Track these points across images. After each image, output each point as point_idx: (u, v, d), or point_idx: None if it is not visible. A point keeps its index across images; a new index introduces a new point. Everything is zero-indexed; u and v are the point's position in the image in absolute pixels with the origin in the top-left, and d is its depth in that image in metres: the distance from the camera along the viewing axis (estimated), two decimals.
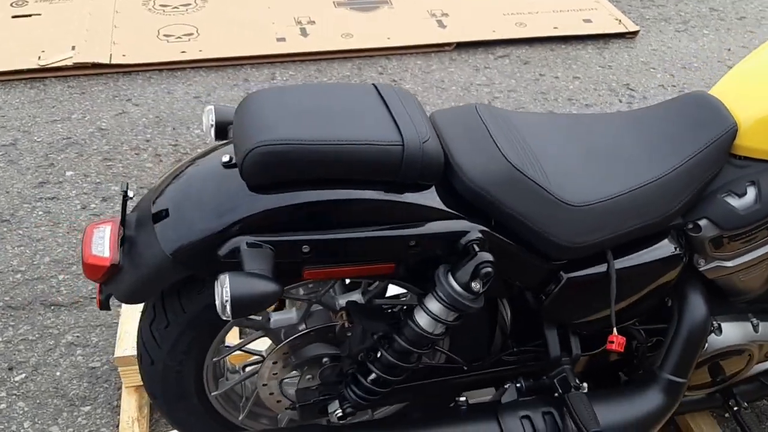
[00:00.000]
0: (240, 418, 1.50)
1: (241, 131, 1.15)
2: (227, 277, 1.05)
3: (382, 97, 1.22)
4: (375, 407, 1.48)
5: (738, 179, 1.33)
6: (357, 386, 1.31)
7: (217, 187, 1.17)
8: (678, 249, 1.33)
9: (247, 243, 1.13)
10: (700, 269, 1.39)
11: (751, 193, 1.32)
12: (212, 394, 1.44)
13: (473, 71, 3.29)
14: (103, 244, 1.22)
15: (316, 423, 1.42)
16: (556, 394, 1.34)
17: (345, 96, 1.21)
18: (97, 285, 1.25)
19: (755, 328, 1.49)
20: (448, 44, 3.42)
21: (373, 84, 1.27)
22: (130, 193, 1.22)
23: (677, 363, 1.38)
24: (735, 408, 1.59)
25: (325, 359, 1.38)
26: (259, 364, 1.42)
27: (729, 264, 1.39)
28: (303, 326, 1.40)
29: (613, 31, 3.61)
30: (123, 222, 1.22)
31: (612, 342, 1.27)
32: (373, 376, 1.29)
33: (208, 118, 1.40)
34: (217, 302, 1.06)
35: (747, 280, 1.43)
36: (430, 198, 1.19)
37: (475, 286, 1.15)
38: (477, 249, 1.16)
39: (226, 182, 1.17)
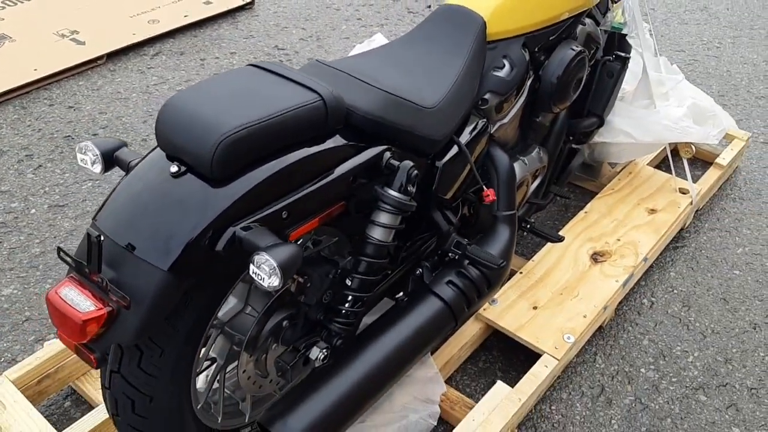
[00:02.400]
0: (219, 420, 1.54)
1: (187, 134, 1.21)
2: (263, 253, 1.15)
3: (271, 71, 1.38)
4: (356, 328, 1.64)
5: (495, 58, 1.82)
6: (339, 319, 1.50)
7: (180, 195, 1.21)
8: (482, 123, 1.78)
9: (241, 228, 1.22)
10: (492, 132, 1.88)
11: (507, 63, 1.83)
12: (198, 407, 1.46)
13: (140, 75, 3.31)
14: (82, 300, 1.18)
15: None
16: (457, 256, 1.71)
17: (245, 80, 1.34)
18: (84, 343, 1.19)
19: (524, 162, 2.05)
20: (99, 58, 3.35)
21: (251, 64, 1.41)
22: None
23: (506, 201, 1.86)
24: (527, 225, 2.16)
25: (284, 323, 1.52)
26: (235, 362, 1.49)
27: (505, 121, 1.90)
28: (249, 308, 1.51)
29: (234, 6, 3.93)
30: (99, 268, 1.18)
31: (488, 195, 1.68)
32: (350, 301, 1.49)
33: (92, 153, 1.37)
34: (263, 278, 1.15)
35: (509, 131, 1.97)
36: (344, 138, 1.42)
37: (411, 188, 1.44)
38: (398, 162, 1.44)
39: (186, 187, 1.22)
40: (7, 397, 1.69)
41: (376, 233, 1.46)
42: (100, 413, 1.71)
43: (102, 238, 1.17)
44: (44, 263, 2.30)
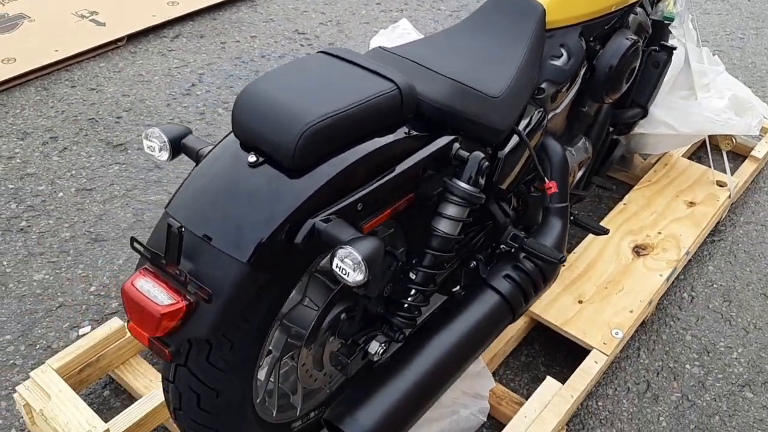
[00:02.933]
0: (274, 413, 1.51)
1: (268, 122, 1.17)
2: (347, 246, 1.11)
3: (343, 59, 1.34)
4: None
5: (553, 46, 1.78)
6: (401, 313, 1.46)
7: (258, 185, 1.17)
8: (540, 112, 1.74)
9: (320, 220, 1.18)
10: (545, 123, 1.84)
11: (565, 51, 1.78)
12: (257, 401, 1.43)
13: (162, 57, 3.24)
14: (159, 293, 1.13)
15: None
16: (513, 249, 1.68)
17: (320, 67, 1.29)
18: (160, 336, 1.15)
19: (572, 153, 2.02)
20: (119, 40, 3.28)
21: (322, 51, 1.36)
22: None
23: (560, 193, 1.82)
24: (571, 217, 2.13)
25: (342, 316, 1.48)
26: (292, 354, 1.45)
27: (558, 111, 1.86)
28: (307, 300, 1.47)
29: None
30: (179, 260, 1.14)
31: (550, 187, 1.65)
32: (413, 294, 1.45)
33: (159, 140, 1.32)
34: (348, 272, 1.11)
35: (559, 121, 1.93)
36: (414, 128, 1.37)
37: (481, 180, 1.40)
38: (467, 152, 1.40)
39: (264, 178, 1.18)
40: (51, 387, 1.65)
41: (443, 226, 1.42)
42: (145, 404, 1.67)
43: (183, 229, 1.12)
44: (75, 248, 2.25)
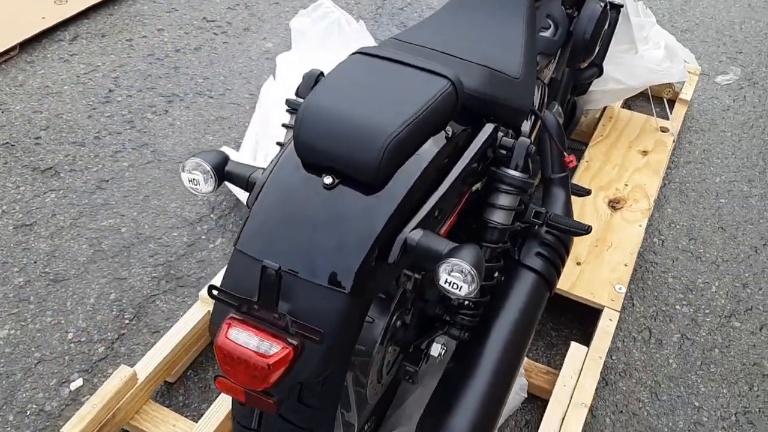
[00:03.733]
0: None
1: (345, 140, 1.08)
2: (453, 258, 1.06)
3: (384, 58, 1.25)
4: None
5: (540, 18, 1.77)
6: (465, 311, 1.43)
7: (340, 208, 1.09)
8: (541, 88, 1.74)
9: (411, 232, 1.12)
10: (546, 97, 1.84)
11: (552, 22, 1.78)
12: None
13: (65, 64, 2.93)
14: (259, 342, 1.03)
15: None
16: (537, 227, 1.68)
17: (366, 72, 1.21)
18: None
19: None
20: (11, 49, 2.93)
21: (357, 52, 1.27)
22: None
23: (559, 162, 1.84)
24: None
25: (398, 324, 1.43)
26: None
27: (545, 82, 1.87)
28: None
29: None
30: (277, 303, 1.04)
31: (571, 161, 1.65)
32: None
33: (202, 171, 1.19)
34: (460, 286, 1.06)
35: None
36: (458, 121, 1.32)
37: (529, 165, 1.38)
38: (512, 139, 1.37)
39: (344, 198, 1.09)
40: None
41: (497, 217, 1.40)
42: None
43: (281, 269, 1.02)
44: (34, 294, 2.02)
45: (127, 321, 1.98)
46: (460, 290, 1.07)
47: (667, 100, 2.81)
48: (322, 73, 1.44)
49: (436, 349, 1.45)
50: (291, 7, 3.48)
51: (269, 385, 1.04)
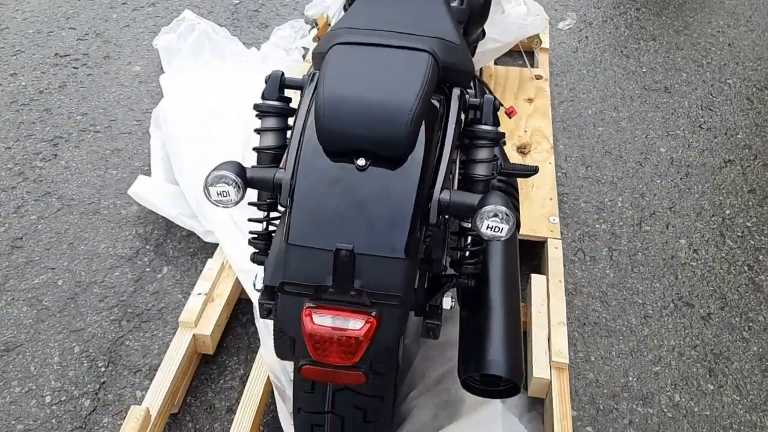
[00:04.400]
0: None
1: (374, 121, 1.15)
2: (488, 206, 1.17)
3: (365, 44, 1.33)
4: None
5: None
6: (469, 260, 1.55)
7: (377, 183, 1.16)
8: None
9: (441, 194, 1.22)
10: None
11: None
12: None
13: None
14: (344, 320, 1.10)
15: None
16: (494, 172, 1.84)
17: (358, 58, 1.28)
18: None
19: None
20: None
21: (337, 43, 1.33)
22: None
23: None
24: None
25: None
26: None
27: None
28: None
29: None
30: (352, 281, 1.10)
31: (512, 111, 1.82)
32: (472, 240, 1.55)
33: (232, 181, 1.21)
34: (502, 228, 1.18)
35: None
36: (437, 90, 1.43)
37: (497, 118, 1.52)
38: (479, 96, 1.51)
39: (377, 174, 1.17)
40: None
41: (480, 170, 1.53)
42: None
43: (353, 250, 1.09)
44: None
45: (102, 369, 1.90)
46: (501, 231, 1.19)
47: (526, 52, 3.08)
48: (283, 74, 1.50)
49: (447, 303, 1.56)
50: (144, 28, 3.38)
51: (359, 358, 1.11)
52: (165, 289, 2.13)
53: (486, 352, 1.45)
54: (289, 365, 1.74)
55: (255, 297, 1.85)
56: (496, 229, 1.19)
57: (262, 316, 1.55)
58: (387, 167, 1.19)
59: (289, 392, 1.70)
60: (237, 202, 1.23)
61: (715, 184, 2.62)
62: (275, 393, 1.71)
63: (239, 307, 2.06)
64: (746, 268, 2.29)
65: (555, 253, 2.11)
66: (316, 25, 2.83)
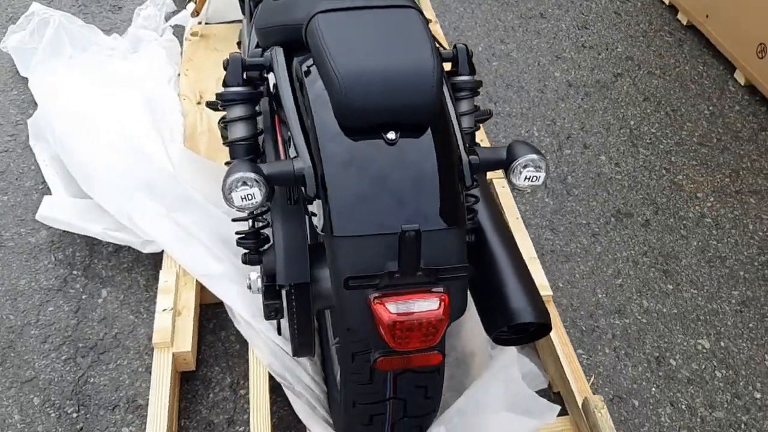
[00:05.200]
0: None
1: (401, 91, 1.08)
2: (522, 157, 1.16)
3: (345, 9, 1.23)
4: None
5: None
6: (468, 216, 1.53)
7: (411, 155, 1.10)
8: None
9: (470, 156, 1.18)
10: None
11: None
12: None
13: None
14: (416, 303, 1.05)
15: None
16: None
17: (350, 24, 1.18)
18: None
19: None
20: None
21: (318, 13, 1.22)
22: None
23: None
24: None
25: None
26: None
27: None
28: None
29: None
30: (419, 262, 1.04)
31: None
32: None
33: (256, 181, 1.10)
34: (539, 176, 1.17)
35: None
36: None
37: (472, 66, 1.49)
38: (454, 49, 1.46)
39: (408, 145, 1.11)
40: None
41: (466, 122, 1.49)
42: None
43: (420, 229, 1.03)
44: None
45: (74, 415, 1.70)
46: (539, 180, 1.18)
47: None
48: (242, 57, 1.37)
49: None
50: None
51: (439, 338, 1.06)
52: (112, 314, 1.93)
53: (509, 303, 1.45)
54: (290, 362, 1.65)
55: (234, 299, 1.73)
56: (534, 179, 1.18)
57: (268, 318, 1.45)
58: (414, 136, 1.13)
59: (300, 387, 1.61)
60: (262, 204, 1.11)
61: (613, 98, 2.77)
62: (286, 391, 1.62)
63: (203, 314, 1.92)
64: (664, 171, 2.46)
65: (502, 191, 2.15)
66: None
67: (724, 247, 2.19)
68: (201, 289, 1.86)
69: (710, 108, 2.74)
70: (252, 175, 1.09)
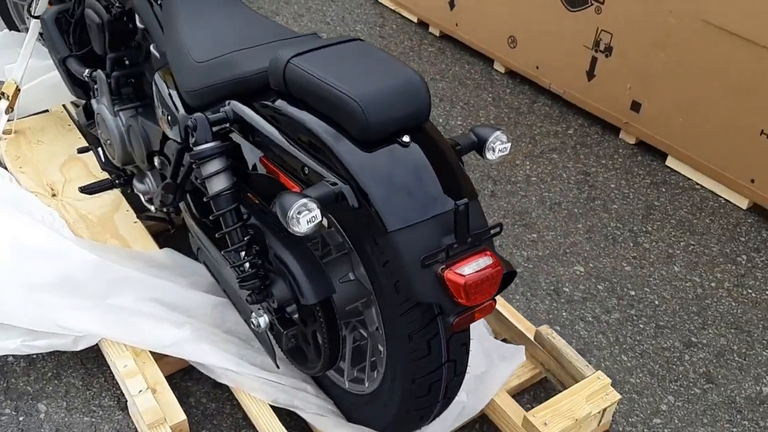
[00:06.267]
0: None
1: (406, 101, 1.30)
2: (495, 134, 1.45)
3: (317, 48, 1.41)
4: None
5: None
6: None
7: (424, 150, 1.32)
8: None
9: (459, 137, 1.46)
10: None
11: None
12: None
13: None
14: (476, 264, 1.27)
15: None
16: None
17: (340, 56, 1.39)
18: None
19: None
20: None
21: (294, 57, 1.37)
22: None
23: None
24: None
25: None
26: None
27: None
28: None
29: None
30: (469, 231, 1.26)
31: None
32: None
33: (313, 206, 1.22)
34: (506, 147, 1.47)
35: None
36: None
37: None
38: None
39: (419, 142, 1.33)
40: None
41: None
42: None
43: (467, 203, 1.25)
44: None
45: None
46: (506, 150, 1.47)
47: None
48: (206, 116, 1.47)
49: None
50: None
51: (498, 287, 1.30)
52: (64, 423, 1.80)
53: None
54: (290, 389, 1.73)
55: (213, 356, 1.75)
56: (503, 150, 1.47)
57: (288, 347, 1.56)
58: (417, 136, 1.34)
59: (313, 407, 1.70)
60: (321, 222, 1.25)
61: None
62: (302, 414, 1.70)
63: (171, 382, 1.87)
64: None
65: None
66: (3, 95, 2.47)
67: (554, 195, 2.69)
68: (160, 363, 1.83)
69: (490, 95, 3.28)
70: (310, 202, 1.23)
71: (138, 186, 2.10)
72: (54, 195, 2.30)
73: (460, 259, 1.27)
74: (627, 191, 2.72)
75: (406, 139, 1.32)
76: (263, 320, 1.57)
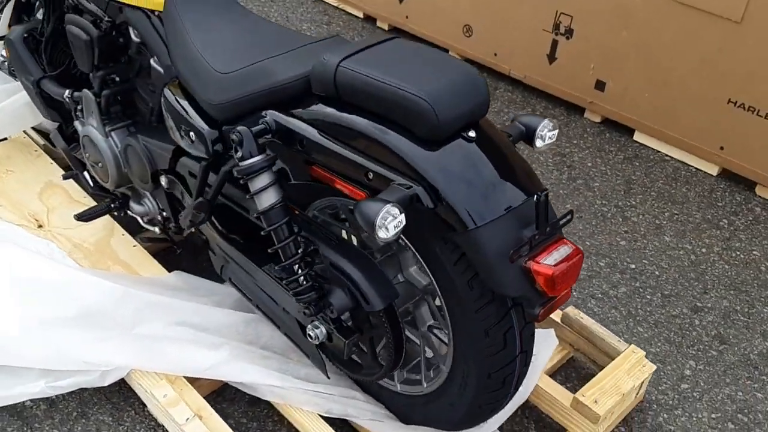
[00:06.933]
0: None
1: (469, 96, 1.30)
2: (544, 124, 1.48)
3: (362, 49, 1.40)
4: None
5: None
6: None
7: (492, 142, 1.35)
8: None
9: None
10: None
11: None
12: None
13: None
14: (555, 255, 1.29)
15: None
16: None
17: (392, 54, 1.39)
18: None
19: None
20: None
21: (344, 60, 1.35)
22: None
23: None
24: None
25: None
26: None
27: None
28: None
29: None
30: (548, 222, 1.28)
31: None
32: None
33: (396, 212, 1.21)
34: (556, 133, 1.50)
35: None
36: None
37: None
38: None
39: (485, 134, 1.34)
40: None
41: None
42: None
43: (547, 193, 1.27)
44: None
45: None
46: (555, 137, 1.50)
47: None
48: (250, 129, 1.43)
49: None
50: None
51: (578, 274, 1.33)
52: None
53: None
54: (342, 399, 1.70)
55: (255, 375, 1.71)
56: (551, 137, 1.49)
57: (349, 354, 1.54)
58: (479, 130, 1.35)
59: (368, 414, 1.69)
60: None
61: None
62: (358, 422, 1.68)
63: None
64: None
65: None
66: None
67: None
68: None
69: None
70: (393, 207, 1.21)
71: (135, 208, 2.01)
72: (40, 226, 2.16)
73: (540, 249, 1.29)
74: (604, 168, 2.82)
75: (471, 134, 1.32)
76: (320, 332, 1.54)
